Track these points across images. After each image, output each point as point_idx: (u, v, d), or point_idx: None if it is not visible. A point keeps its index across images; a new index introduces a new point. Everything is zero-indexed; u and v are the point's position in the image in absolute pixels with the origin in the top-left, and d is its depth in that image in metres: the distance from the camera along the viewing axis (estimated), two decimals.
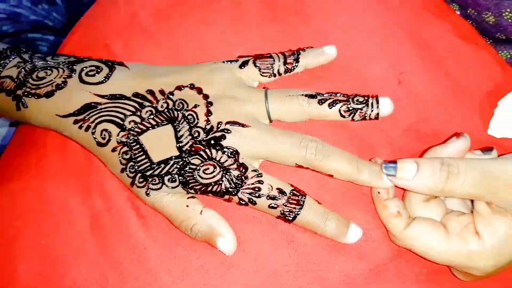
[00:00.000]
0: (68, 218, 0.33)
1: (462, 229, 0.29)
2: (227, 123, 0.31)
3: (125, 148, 0.31)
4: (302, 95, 0.32)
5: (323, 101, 0.32)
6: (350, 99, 0.32)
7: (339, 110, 0.32)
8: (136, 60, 0.36)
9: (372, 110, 0.32)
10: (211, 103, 0.32)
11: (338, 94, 0.33)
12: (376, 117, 0.32)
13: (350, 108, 0.32)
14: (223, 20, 0.37)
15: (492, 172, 0.28)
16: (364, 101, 0.32)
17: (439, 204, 0.32)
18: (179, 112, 0.32)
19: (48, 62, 0.34)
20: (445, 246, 0.29)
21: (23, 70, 0.33)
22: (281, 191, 0.30)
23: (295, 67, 0.34)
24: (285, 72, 0.34)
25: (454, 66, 0.35)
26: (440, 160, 0.28)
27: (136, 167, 0.31)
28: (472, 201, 0.31)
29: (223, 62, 0.34)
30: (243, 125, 0.31)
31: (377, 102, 0.32)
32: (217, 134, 0.31)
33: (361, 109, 0.32)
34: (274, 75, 0.34)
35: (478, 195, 0.28)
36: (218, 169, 0.30)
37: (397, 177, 0.29)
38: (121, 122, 0.31)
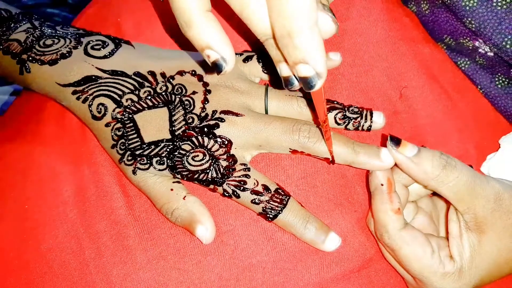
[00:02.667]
0: (54, 185, 0.33)
1: (441, 250, 0.30)
2: (221, 112, 0.31)
3: (119, 125, 0.31)
4: (301, 96, 0.32)
5: None
6: (346, 108, 0.32)
7: (335, 117, 0.32)
8: (144, 40, 0.36)
9: (365, 122, 0.32)
10: (209, 91, 0.32)
11: (335, 102, 0.33)
12: (369, 129, 0.33)
13: (345, 117, 0.32)
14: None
15: (481, 182, 0.28)
16: (359, 112, 0.32)
17: (409, 214, 0.33)
18: (176, 97, 0.32)
19: (57, 31, 0.34)
20: (428, 261, 0.29)
21: (31, 36, 0.34)
22: (266, 188, 0.30)
23: None
24: None
25: (453, 89, 0.35)
26: (440, 151, 0.28)
27: (127, 144, 0.31)
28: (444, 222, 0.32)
29: None
30: (236, 114, 0.31)
31: (371, 115, 0.32)
32: (211, 122, 0.31)
33: (355, 119, 0.32)
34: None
35: (460, 199, 0.28)
36: (207, 157, 0.30)
37: (399, 150, 0.28)
38: (118, 99, 0.32)
